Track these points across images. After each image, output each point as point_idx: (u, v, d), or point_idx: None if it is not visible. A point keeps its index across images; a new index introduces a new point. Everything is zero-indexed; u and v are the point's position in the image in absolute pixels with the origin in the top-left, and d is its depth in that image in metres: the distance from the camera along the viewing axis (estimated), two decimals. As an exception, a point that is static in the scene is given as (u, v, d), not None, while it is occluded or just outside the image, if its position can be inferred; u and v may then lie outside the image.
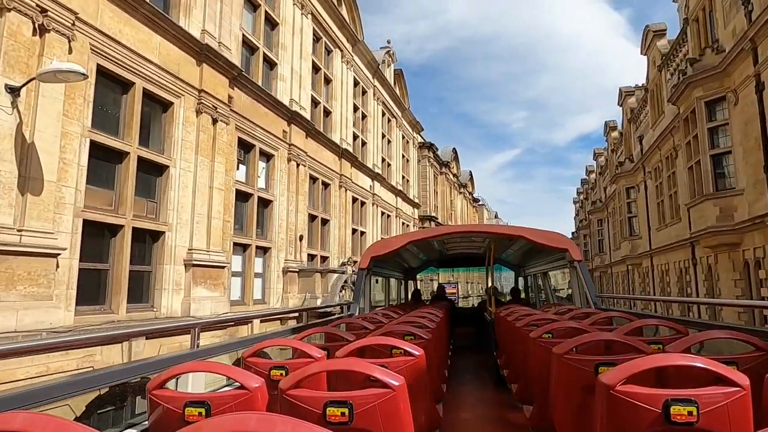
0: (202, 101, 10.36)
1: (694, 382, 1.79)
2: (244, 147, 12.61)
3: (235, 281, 12.00)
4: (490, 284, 8.46)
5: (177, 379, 2.30)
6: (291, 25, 15.02)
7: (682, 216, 18.84)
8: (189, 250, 9.83)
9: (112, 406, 3.70)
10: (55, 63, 6.49)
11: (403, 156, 28.31)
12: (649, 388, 1.79)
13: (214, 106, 10.68)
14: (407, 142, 29.30)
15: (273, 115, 13.61)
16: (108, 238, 8.42)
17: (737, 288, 14.23)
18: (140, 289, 9.07)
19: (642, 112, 25.68)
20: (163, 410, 1.94)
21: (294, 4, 15.20)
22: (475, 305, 14.44)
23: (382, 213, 23.58)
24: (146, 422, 2.12)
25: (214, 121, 10.76)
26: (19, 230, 6.60)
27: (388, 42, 27.12)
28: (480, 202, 58.74)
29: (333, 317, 6.48)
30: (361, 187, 20.69)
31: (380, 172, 23.03)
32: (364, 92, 22.08)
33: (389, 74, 26.26)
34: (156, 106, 9.62)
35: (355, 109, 20.87)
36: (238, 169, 12.18)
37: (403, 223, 26.76)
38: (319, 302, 13.56)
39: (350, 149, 19.07)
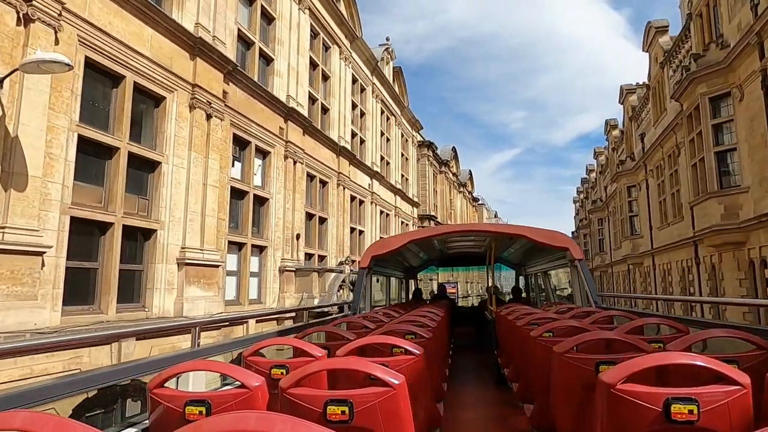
0: (196, 96, 10.11)
1: (695, 381, 1.80)
2: (240, 143, 12.36)
3: (230, 280, 11.76)
4: (490, 283, 8.48)
5: (177, 378, 2.32)
6: (288, 20, 14.76)
7: (685, 214, 18.63)
8: (182, 248, 9.58)
9: (112, 406, 3.61)
10: (38, 53, 6.23)
11: (403, 154, 28.06)
12: (650, 386, 1.78)
13: (208, 101, 10.43)
14: (406, 140, 29.05)
15: (269, 112, 13.36)
16: (97, 236, 8.17)
17: (742, 288, 14.02)
18: (131, 289, 8.82)
19: (643, 109, 25.49)
20: (163, 409, 1.96)
21: (291, -1, 14.97)
22: (475, 305, 14.40)
23: (381, 212, 23.34)
24: (147, 421, 2.14)
25: (208, 117, 10.51)
26: (1, 227, 6.35)
27: (387, 39, 26.90)
28: (480, 202, 58.63)
29: (330, 317, 6.47)
30: (360, 186, 20.44)
31: (379, 170, 22.77)
32: (362, 89, 21.82)
33: (388, 72, 26.01)
34: (148, 100, 9.36)
35: (354, 106, 20.61)
36: (233, 166, 11.92)
37: (402, 222, 26.51)
38: (316, 302, 13.34)
39: (348, 147, 18.82)
